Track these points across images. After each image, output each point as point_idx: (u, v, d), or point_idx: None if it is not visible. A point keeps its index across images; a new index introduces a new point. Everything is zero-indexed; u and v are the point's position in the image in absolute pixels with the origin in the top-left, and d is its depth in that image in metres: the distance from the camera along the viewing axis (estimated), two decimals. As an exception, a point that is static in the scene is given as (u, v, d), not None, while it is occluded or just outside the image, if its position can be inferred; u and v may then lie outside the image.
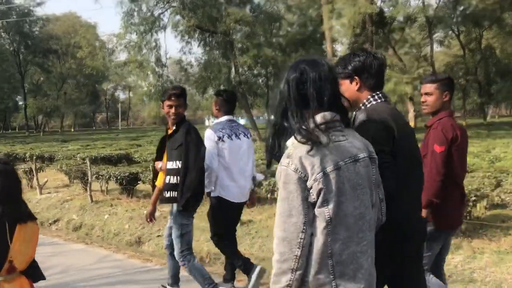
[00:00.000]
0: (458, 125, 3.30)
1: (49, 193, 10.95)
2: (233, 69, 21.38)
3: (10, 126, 72.76)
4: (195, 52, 21.32)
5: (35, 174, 10.86)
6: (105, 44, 21.08)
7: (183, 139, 3.83)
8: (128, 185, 9.13)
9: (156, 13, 20.82)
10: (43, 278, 2.84)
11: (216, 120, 4.49)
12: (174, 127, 4.00)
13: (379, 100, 2.31)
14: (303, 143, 1.67)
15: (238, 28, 20.73)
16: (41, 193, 10.65)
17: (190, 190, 3.81)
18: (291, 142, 1.73)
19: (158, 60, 21.02)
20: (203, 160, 3.98)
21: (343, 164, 1.70)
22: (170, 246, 4.23)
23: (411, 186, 2.26)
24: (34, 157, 12.47)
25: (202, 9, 20.24)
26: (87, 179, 9.39)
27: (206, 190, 4.20)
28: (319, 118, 1.73)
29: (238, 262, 4.38)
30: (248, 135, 4.56)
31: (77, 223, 8.80)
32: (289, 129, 1.74)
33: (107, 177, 9.26)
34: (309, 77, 1.74)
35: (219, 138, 4.20)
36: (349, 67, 2.30)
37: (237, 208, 4.51)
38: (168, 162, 3.96)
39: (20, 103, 59.18)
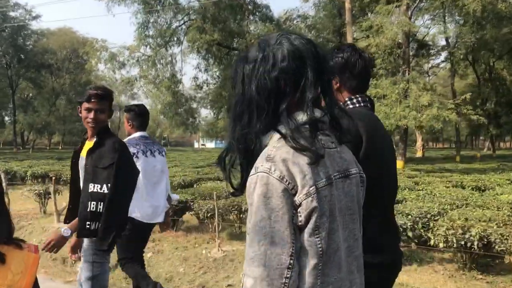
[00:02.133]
0: None
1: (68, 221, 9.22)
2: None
3: (-7, 142, 70.31)
4: (211, 70, 20.03)
5: (53, 198, 9.15)
6: (116, 57, 19.54)
7: (114, 156, 3.14)
8: (175, 215, 7.51)
9: (173, 25, 19.54)
10: None
11: (129, 137, 4.21)
12: (95, 138, 3.23)
13: (357, 105, 2.07)
14: (297, 149, 1.22)
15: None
16: (59, 221, 8.96)
17: (119, 225, 3.20)
18: (271, 141, 1.27)
19: (173, 76, 19.64)
20: (135, 186, 3.38)
21: (333, 179, 1.28)
22: None
23: (379, 204, 1.94)
24: (53, 177, 10.63)
25: (223, 24, 19.03)
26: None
27: None
28: (303, 116, 1.27)
29: (147, 286, 4.06)
30: (163, 153, 4.37)
31: (111, 263, 7.10)
32: (253, 136, 1.28)
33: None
34: (295, 56, 1.26)
35: (133, 154, 3.81)
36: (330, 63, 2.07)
37: (148, 228, 4.24)
38: (91, 184, 3.14)
39: (6, 118, 57.22)
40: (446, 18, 27.05)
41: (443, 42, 31.59)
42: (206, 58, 20.53)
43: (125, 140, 3.92)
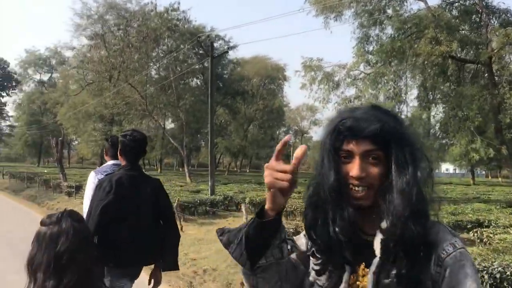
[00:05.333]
0: None
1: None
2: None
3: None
4: (439, 87, 17.37)
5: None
6: (331, 76, 18.14)
7: None
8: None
9: (399, 38, 17.34)
10: None
11: (103, 165, 4.54)
12: None
13: None
14: None
15: (506, 55, 16.04)
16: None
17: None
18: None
19: (396, 95, 17.36)
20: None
21: None
22: None
23: None
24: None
25: (457, 33, 16.17)
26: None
27: None
28: None
29: None
30: None
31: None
32: None
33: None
34: None
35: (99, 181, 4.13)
36: None
37: None
38: None
39: (202, 142, 61.68)
40: None
41: None
42: (436, 74, 17.72)
43: (97, 168, 4.48)
